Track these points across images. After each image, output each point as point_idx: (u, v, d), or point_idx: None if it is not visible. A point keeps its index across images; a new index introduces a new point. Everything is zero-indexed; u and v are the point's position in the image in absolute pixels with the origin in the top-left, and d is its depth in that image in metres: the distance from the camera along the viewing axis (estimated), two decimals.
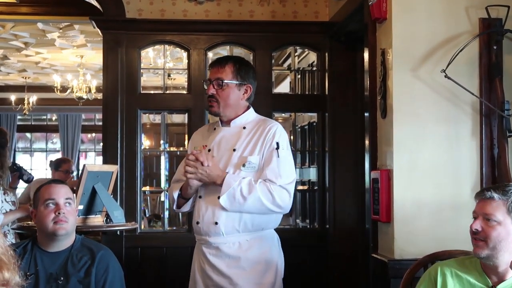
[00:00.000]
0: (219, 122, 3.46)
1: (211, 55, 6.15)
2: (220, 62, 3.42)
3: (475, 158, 3.95)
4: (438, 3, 3.99)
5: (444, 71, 3.77)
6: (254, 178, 3.27)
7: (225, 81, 3.35)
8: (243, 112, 3.42)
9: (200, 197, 3.37)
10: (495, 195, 2.57)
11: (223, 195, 3.21)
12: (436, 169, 3.92)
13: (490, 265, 2.60)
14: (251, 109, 3.47)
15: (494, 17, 3.94)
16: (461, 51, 3.82)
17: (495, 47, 3.92)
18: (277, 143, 3.29)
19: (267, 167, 3.26)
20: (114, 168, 4.85)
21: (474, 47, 3.94)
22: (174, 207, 3.52)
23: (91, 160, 16.12)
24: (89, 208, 4.53)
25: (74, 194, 3.61)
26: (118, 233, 5.22)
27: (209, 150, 3.38)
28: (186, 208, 3.48)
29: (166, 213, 6.05)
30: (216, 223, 3.27)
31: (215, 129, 3.47)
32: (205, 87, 3.44)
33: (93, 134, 16.19)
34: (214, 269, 3.31)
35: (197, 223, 3.35)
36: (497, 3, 3.94)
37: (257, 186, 3.21)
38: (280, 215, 3.41)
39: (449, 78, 3.78)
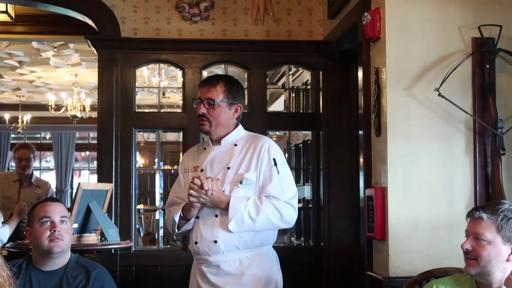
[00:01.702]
0: (209, 141, 3.44)
1: (205, 73, 6.17)
2: (211, 82, 3.38)
3: (469, 176, 3.97)
4: (431, 22, 4.03)
5: (437, 89, 3.80)
6: (252, 195, 3.23)
7: (217, 101, 3.32)
8: (233, 130, 3.40)
9: (197, 217, 3.31)
10: (484, 215, 2.58)
11: (231, 221, 3.17)
12: (431, 187, 3.94)
13: (483, 282, 2.61)
14: (240, 126, 3.44)
15: (487, 36, 3.98)
16: (454, 70, 3.86)
17: (488, 66, 3.96)
18: (274, 160, 3.28)
19: (269, 184, 3.24)
20: (109, 187, 4.86)
21: (467, 66, 3.98)
22: (175, 230, 3.41)
23: (85, 179, 16.11)
24: (84, 227, 4.54)
25: (69, 213, 3.61)
26: (113, 251, 5.21)
27: (201, 171, 3.34)
28: (188, 227, 3.37)
29: (161, 231, 6.04)
30: (216, 241, 3.23)
31: (205, 148, 3.43)
32: (195, 106, 3.39)
33: (87, 153, 16.20)
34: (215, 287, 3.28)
35: (196, 243, 3.29)
36: (489, 23, 3.98)
37: (264, 206, 3.20)
38: (276, 230, 3.40)
39: (442, 96, 3.81)
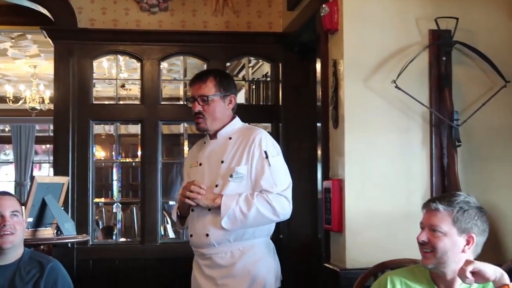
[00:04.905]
0: (208, 136, 3.47)
1: (165, 65, 6.11)
2: (200, 78, 3.41)
3: (425, 167, 3.99)
4: (389, 14, 4.04)
5: (394, 81, 3.82)
6: (244, 189, 3.27)
7: (210, 96, 3.34)
8: (229, 122, 3.43)
9: (192, 210, 3.37)
10: (440, 206, 2.58)
11: (224, 218, 3.20)
12: (388, 179, 3.95)
13: (437, 273, 2.62)
14: (237, 119, 3.48)
15: (444, 28, 4.00)
16: (411, 62, 3.87)
17: (444, 58, 3.98)
18: (265, 152, 3.29)
19: (261, 178, 3.26)
20: (64, 180, 4.79)
21: (424, 58, 4.00)
22: (178, 228, 3.57)
23: (45, 172, 15.91)
24: (39, 221, 4.46)
25: (23, 206, 3.55)
26: (69, 245, 5.15)
27: (200, 165, 3.40)
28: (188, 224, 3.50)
29: (119, 224, 5.99)
30: (207, 234, 3.28)
31: (204, 143, 3.49)
32: (189, 105, 3.43)
33: (47, 145, 15.98)
34: (209, 280, 3.34)
35: (191, 235, 3.38)
36: (446, 15, 4.00)
37: (255, 200, 3.21)
38: (273, 223, 3.43)
39: (399, 88, 3.83)
